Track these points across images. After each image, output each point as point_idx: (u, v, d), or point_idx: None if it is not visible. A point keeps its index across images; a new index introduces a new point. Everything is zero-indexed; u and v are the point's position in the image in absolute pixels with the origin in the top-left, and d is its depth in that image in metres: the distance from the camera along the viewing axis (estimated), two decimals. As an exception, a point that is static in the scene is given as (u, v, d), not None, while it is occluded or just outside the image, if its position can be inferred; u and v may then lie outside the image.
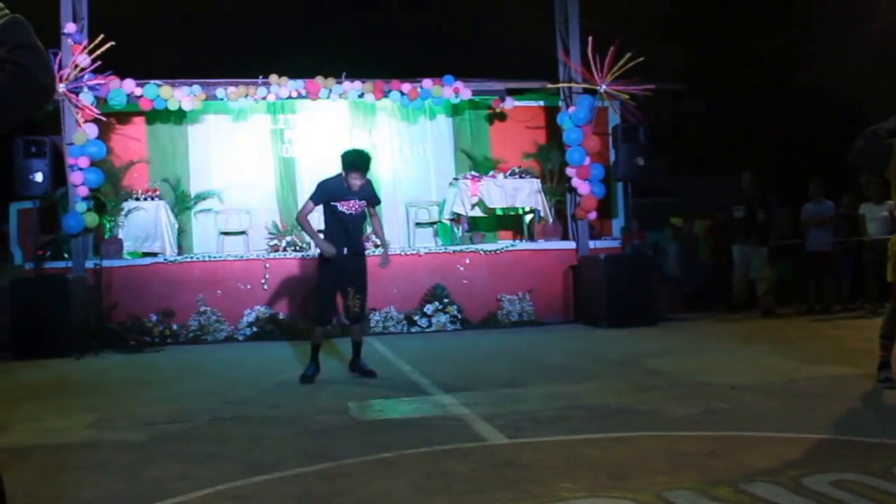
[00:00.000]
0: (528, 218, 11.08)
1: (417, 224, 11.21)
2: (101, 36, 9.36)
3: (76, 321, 8.71)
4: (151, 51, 14.07)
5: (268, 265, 9.98)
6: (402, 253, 10.11)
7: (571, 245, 10.63)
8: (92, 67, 9.46)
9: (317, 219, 6.50)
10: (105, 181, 9.72)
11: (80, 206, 9.41)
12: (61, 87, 9.21)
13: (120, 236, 9.90)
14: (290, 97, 10.61)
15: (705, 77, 18.67)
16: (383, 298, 9.63)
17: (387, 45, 16.24)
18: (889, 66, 14.09)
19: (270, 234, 10.75)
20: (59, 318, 8.53)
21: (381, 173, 10.87)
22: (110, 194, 9.95)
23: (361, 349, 6.52)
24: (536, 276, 10.43)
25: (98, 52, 9.37)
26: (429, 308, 9.98)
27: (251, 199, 10.94)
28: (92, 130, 9.56)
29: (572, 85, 10.57)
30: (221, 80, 10.52)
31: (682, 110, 18.05)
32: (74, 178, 9.41)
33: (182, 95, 10.20)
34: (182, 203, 10.66)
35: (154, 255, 9.99)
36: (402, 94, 10.75)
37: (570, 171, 10.52)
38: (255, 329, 9.69)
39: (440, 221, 11.25)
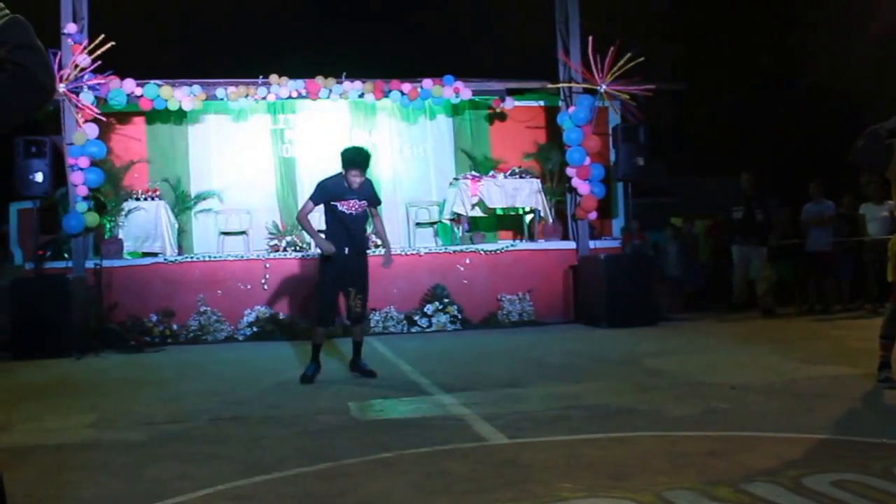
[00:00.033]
0: (528, 218, 11.08)
1: (418, 224, 11.21)
2: (102, 36, 9.36)
3: (76, 321, 8.71)
4: (151, 51, 14.07)
5: (268, 265, 9.98)
6: (403, 253, 10.11)
7: (571, 245, 10.63)
8: (92, 67, 9.46)
9: (317, 219, 6.51)
10: (105, 181, 9.71)
11: (81, 206, 9.42)
12: (61, 87, 9.21)
13: (120, 236, 9.90)
14: (290, 97, 10.61)
15: (705, 77, 18.66)
16: (383, 298, 9.63)
17: (387, 45, 16.24)
18: (890, 65, 14.08)
19: (271, 234, 10.75)
20: (59, 318, 8.53)
21: (381, 173, 10.87)
22: (110, 194, 9.95)
23: (362, 349, 6.52)
24: (537, 276, 10.43)
25: (98, 52, 9.37)
26: (429, 308, 9.98)
27: (251, 199, 10.94)
28: (92, 130, 9.56)
29: (572, 85, 10.57)
30: (221, 80, 10.51)
31: (682, 110, 18.05)
32: (75, 178, 9.41)
33: (182, 95, 10.20)
34: (182, 203, 10.66)
35: (154, 255, 9.99)
36: (403, 94, 10.75)
37: (570, 171, 10.52)
38: (255, 329, 9.69)
39: (440, 221, 11.25)
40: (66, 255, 9.66)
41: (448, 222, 11.08)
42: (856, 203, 10.69)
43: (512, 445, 3.95)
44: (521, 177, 10.79)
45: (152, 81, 10.16)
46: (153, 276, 9.79)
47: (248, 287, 9.89)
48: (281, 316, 9.80)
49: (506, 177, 10.79)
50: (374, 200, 6.39)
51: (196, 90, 10.28)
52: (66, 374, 7.37)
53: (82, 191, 9.46)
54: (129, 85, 9.97)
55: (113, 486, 3.53)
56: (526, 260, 10.52)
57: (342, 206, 6.15)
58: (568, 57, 10.57)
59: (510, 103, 11.15)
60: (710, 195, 14.61)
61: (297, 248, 10.27)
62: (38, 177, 9.17)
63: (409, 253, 10.20)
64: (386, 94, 10.77)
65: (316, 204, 6.25)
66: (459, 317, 10.00)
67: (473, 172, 10.95)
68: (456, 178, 10.94)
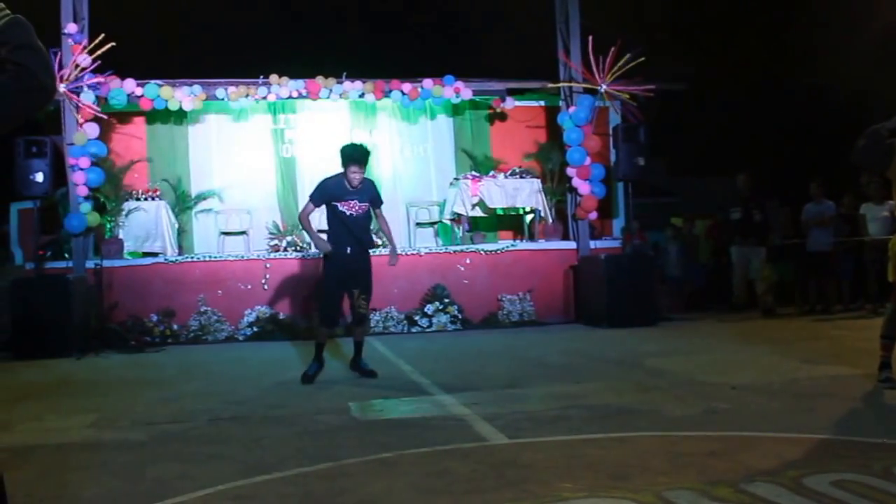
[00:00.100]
0: (528, 218, 11.08)
1: (418, 224, 11.21)
2: (102, 35, 9.36)
3: (77, 321, 8.71)
4: (152, 51, 14.07)
5: (268, 265, 9.98)
6: (403, 253, 10.08)
7: (572, 245, 10.63)
8: (92, 67, 9.47)
9: (317, 219, 6.50)
10: (105, 181, 9.72)
11: (85, 207, 9.43)
12: (62, 87, 9.21)
13: (120, 236, 9.90)
14: (290, 97, 10.61)
15: (706, 77, 18.66)
16: (384, 298, 9.62)
17: (387, 44, 16.24)
18: (891, 65, 14.08)
19: (271, 234, 10.75)
20: (59, 319, 8.54)
21: (381, 173, 10.88)
22: (111, 194, 9.95)
23: (363, 349, 6.52)
24: (537, 276, 10.43)
25: (98, 52, 9.37)
26: (429, 308, 9.98)
27: (252, 199, 10.94)
28: (93, 130, 9.56)
29: (573, 85, 10.57)
30: (222, 80, 10.52)
31: (682, 110, 18.06)
32: (76, 177, 9.41)
33: (182, 95, 10.20)
34: (182, 203, 10.66)
35: (155, 254, 9.99)
36: (403, 93, 10.74)
37: (570, 171, 10.52)
38: (255, 329, 9.70)
39: (441, 221, 11.25)
40: (66, 255, 9.67)
41: (448, 222, 11.08)
42: (856, 203, 10.69)
43: (512, 445, 3.96)
44: (521, 177, 10.79)
45: (153, 81, 10.16)
46: (153, 276, 9.79)
47: (249, 287, 9.90)
48: (281, 316, 9.80)
49: (506, 177, 10.79)
50: (377, 201, 6.38)
51: (196, 90, 10.28)
52: (66, 374, 7.38)
53: (83, 191, 9.46)
54: (130, 85, 9.98)
55: (113, 485, 3.53)
56: (526, 260, 10.52)
57: (342, 207, 6.14)
58: (568, 57, 10.57)
59: (510, 103, 11.15)
60: (710, 195, 14.61)
61: (298, 248, 10.27)
62: (39, 177, 9.18)
63: (409, 253, 10.20)
64: (386, 94, 10.77)
65: (316, 205, 6.25)
66: (460, 317, 10.01)
67: (474, 172, 10.95)
68: (456, 178, 10.94)
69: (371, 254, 6.44)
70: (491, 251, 10.45)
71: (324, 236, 6.44)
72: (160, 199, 10.23)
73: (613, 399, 5.04)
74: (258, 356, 8.20)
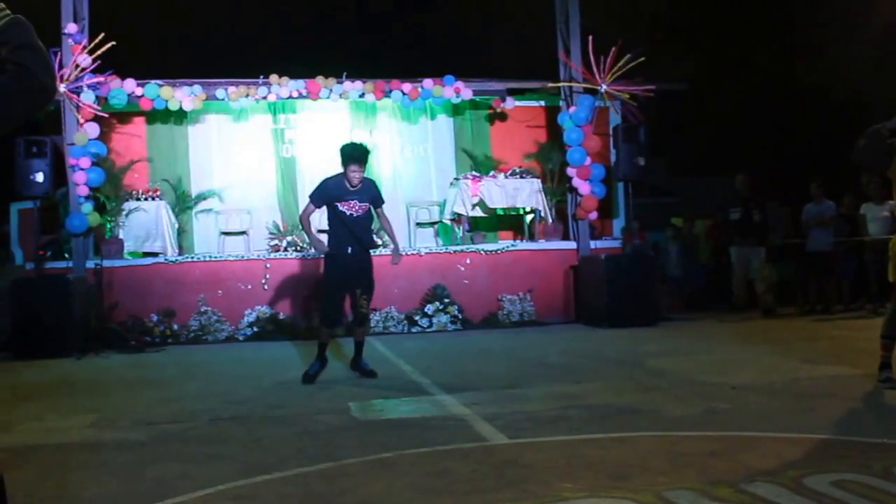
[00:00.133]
0: (528, 218, 11.07)
1: (418, 224, 11.21)
2: (102, 35, 9.36)
3: (77, 321, 8.71)
4: (152, 51, 14.09)
5: (268, 265, 9.98)
6: (403, 253, 10.09)
7: (572, 245, 10.63)
8: (93, 67, 9.46)
9: (317, 219, 6.49)
10: (106, 181, 9.72)
11: (87, 207, 9.43)
12: (62, 87, 9.21)
13: (121, 236, 9.90)
14: (290, 97, 10.61)
15: (706, 77, 18.67)
16: (384, 298, 9.62)
17: (388, 44, 16.25)
18: (891, 65, 14.08)
19: (271, 234, 10.75)
20: (60, 319, 8.53)
21: (381, 173, 10.87)
22: (111, 194, 9.95)
23: (363, 349, 6.52)
24: (537, 276, 10.43)
25: (99, 51, 9.37)
26: (429, 308, 9.98)
27: (252, 199, 10.94)
28: (93, 130, 9.56)
29: (573, 84, 10.57)
30: (222, 80, 10.51)
31: (682, 110, 18.08)
32: (76, 177, 9.41)
33: (183, 95, 10.20)
34: (183, 203, 10.65)
35: (155, 254, 9.99)
36: (403, 93, 10.74)
37: (570, 171, 10.52)
38: (255, 329, 9.69)
39: (441, 221, 11.25)
40: (66, 255, 9.67)
41: (449, 222, 11.08)
42: (857, 203, 10.69)
43: (512, 445, 3.96)
44: (521, 177, 10.79)
45: (153, 81, 10.16)
46: (154, 276, 9.79)
47: (249, 287, 9.90)
48: (281, 316, 9.80)
49: (506, 177, 10.79)
50: (378, 201, 6.38)
51: (196, 90, 10.28)
52: (66, 374, 7.38)
53: (83, 191, 9.46)
54: (130, 85, 9.97)
55: (113, 485, 3.53)
56: (526, 260, 10.52)
57: (343, 207, 6.14)
58: (568, 57, 10.57)
59: (511, 103, 11.14)
60: (710, 195, 14.62)
61: (298, 248, 10.27)
62: (39, 177, 9.18)
63: (409, 253, 10.20)
64: (386, 94, 10.76)
65: (317, 205, 6.25)
66: (460, 317, 10.00)
67: (474, 172, 10.95)
68: (456, 178, 10.94)
69: (372, 254, 6.44)
70: (491, 251, 10.45)
71: (324, 236, 6.43)
72: (160, 199, 10.22)
73: (613, 399, 5.04)
74: (258, 356, 8.20)
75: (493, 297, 10.28)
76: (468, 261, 10.37)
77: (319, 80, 10.55)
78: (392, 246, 6.64)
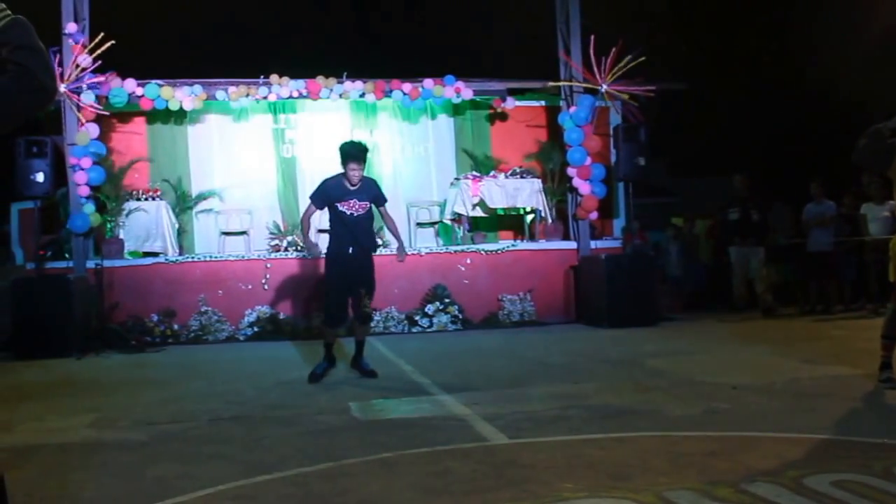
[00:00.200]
0: (529, 218, 11.07)
1: (418, 224, 11.21)
2: (102, 35, 9.36)
3: (77, 321, 8.71)
4: (152, 51, 14.09)
5: (269, 265, 9.98)
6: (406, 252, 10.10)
7: (572, 245, 10.63)
8: (93, 67, 9.46)
9: (318, 219, 6.49)
10: (106, 181, 9.72)
11: (89, 208, 9.43)
12: (62, 87, 9.22)
13: (121, 236, 9.91)
14: (291, 97, 10.61)
15: (706, 76, 18.67)
16: (384, 298, 9.62)
17: (388, 44, 16.25)
18: (891, 65, 14.08)
19: (271, 234, 10.75)
20: (60, 319, 8.54)
21: (382, 173, 10.87)
22: (111, 194, 9.95)
23: (364, 348, 6.52)
24: (537, 276, 10.43)
25: (98, 51, 9.37)
26: (430, 308, 9.98)
27: (252, 199, 10.94)
28: (93, 130, 9.56)
29: (573, 84, 10.57)
30: (222, 80, 10.51)
31: (682, 110, 18.09)
32: (77, 177, 9.41)
33: (183, 95, 10.20)
34: (183, 203, 10.65)
35: (155, 254, 10.00)
36: (404, 93, 10.74)
37: (571, 171, 10.52)
38: (256, 329, 9.70)
39: (441, 221, 11.25)
40: (66, 255, 9.67)
41: (449, 222, 11.08)
42: (857, 203, 10.68)
43: (513, 445, 3.96)
44: (521, 177, 10.79)
45: (153, 81, 10.16)
46: (154, 276, 9.79)
47: (249, 287, 9.90)
48: (282, 316, 9.80)
49: (507, 177, 10.79)
50: (379, 199, 6.37)
51: (197, 90, 10.28)
52: (67, 374, 7.38)
53: (84, 191, 9.46)
54: (130, 85, 9.97)
55: (114, 485, 3.53)
56: (527, 260, 10.52)
57: (343, 207, 6.15)
58: (569, 56, 10.57)
59: (511, 103, 11.14)
60: (710, 195, 14.62)
61: (298, 248, 10.26)
62: (39, 177, 9.18)
63: (410, 253, 10.16)
64: (387, 94, 10.76)
65: (318, 206, 6.24)
66: (460, 317, 10.01)
67: (474, 172, 10.95)
68: (457, 178, 10.94)
69: (374, 254, 6.45)
70: (491, 251, 10.45)
71: (325, 237, 6.42)
72: (161, 199, 10.22)
73: (614, 399, 5.04)
74: (258, 356, 8.20)
75: (494, 297, 10.28)
76: (468, 261, 10.37)
77: (320, 79, 10.55)
78: (397, 244, 6.64)
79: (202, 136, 11.03)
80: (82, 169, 9.40)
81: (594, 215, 10.62)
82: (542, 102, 11.57)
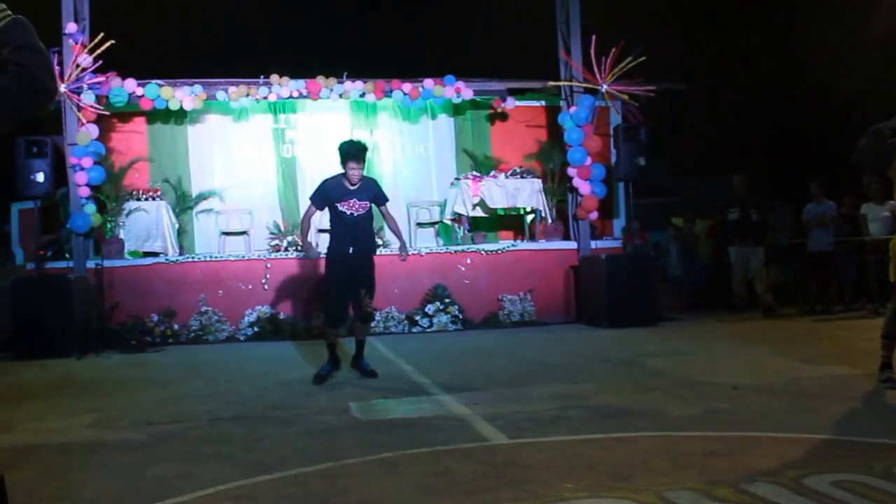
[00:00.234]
0: (529, 218, 11.07)
1: (419, 224, 11.21)
2: (102, 35, 9.36)
3: (77, 321, 8.71)
4: (152, 51, 14.09)
5: (269, 265, 9.98)
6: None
7: (573, 245, 10.63)
8: (93, 67, 9.46)
9: (318, 219, 6.48)
10: (106, 181, 9.72)
11: (90, 208, 9.43)
12: (62, 87, 9.22)
13: (121, 236, 9.91)
14: (291, 97, 10.61)
15: (706, 76, 18.67)
16: (385, 298, 9.61)
17: (388, 44, 16.25)
18: (891, 65, 14.08)
19: (272, 234, 10.75)
20: (60, 319, 8.54)
21: (382, 173, 10.87)
22: (111, 194, 9.95)
23: (365, 348, 6.52)
24: (537, 276, 10.43)
25: (99, 51, 9.37)
26: (430, 308, 9.98)
27: (252, 199, 10.93)
28: (94, 130, 9.56)
29: (574, 84, 10.57)
30: (222, 80, 10.51)
31: (682, 110, 18.10)
32: (78, 177, 9.41)
33: (183, 95, 10.20)
34: (183, 203, 10.65)
35: (155, 254, 10.00)
36: (404, 93, 10.74)
37: (571, 171, 10.52)
38: (256, 329, 9.70)
39: (441, 221, 11.25)
40: (67, 255, 9.67)
41: (449, 222, 11.08)
42: (857, 203, 10.68)
43: (513, 445, 3.96)
44: (522, 177, 10.79)
45: (153, 81, 10.16)
46: (154, 276, 9.79)
47: (250, 287, 9.90)
48: (282, 316, 9.80)
49: (507, 177, 10.79)
50: (380, 199, 6.37)
51: (197, 90, 10.28)
52: (67, 374, 7.38)
53: (85, 191, 9.46)
54: (130, 85, 9.97)
55: (114, 485, 3.54)
56: (527, 260, 10.52)
57: (342, 207, 6.14)
58: (569, 56, 10.57)
59: (511, 103, 11.14)
60: (710, 195, 14.62)
61: (298, 248, 10.26)
62: (40, 177, 9.18)
63: (410, 252, 10.18)
64: (387, 94, 10.76)
65: (318, 207, 6.24)
66: (460, 317, 10.01)
67: (474, 172, 10.95)
68: (457, 178, 10.94)
69: (374, 254, 6.45)
70: (491, 251, 10.45)
71: (326, 237, 6.42)
72: (161, 198, 10.22)
73: (614, 399, 5.04)
74: (259, 356, 8.20)
75: (494, 297, 10.28)
76: (469, 261, 10.37)
77: (320, 79, 10.55)
78: (399, 244, 6.64)
79: (202, 136, 11.03)
80: (82, 169, 9.40)
81: (594, 215, 10.62)
82: (543, 102, 11.57)
